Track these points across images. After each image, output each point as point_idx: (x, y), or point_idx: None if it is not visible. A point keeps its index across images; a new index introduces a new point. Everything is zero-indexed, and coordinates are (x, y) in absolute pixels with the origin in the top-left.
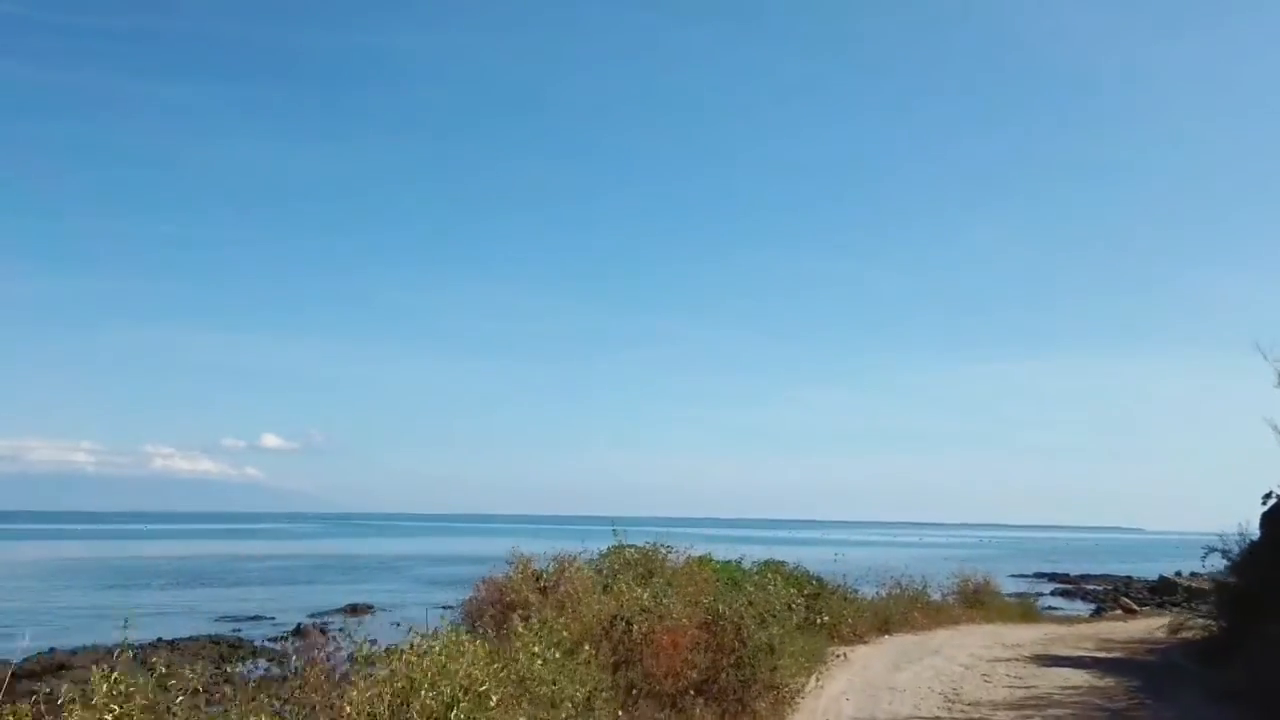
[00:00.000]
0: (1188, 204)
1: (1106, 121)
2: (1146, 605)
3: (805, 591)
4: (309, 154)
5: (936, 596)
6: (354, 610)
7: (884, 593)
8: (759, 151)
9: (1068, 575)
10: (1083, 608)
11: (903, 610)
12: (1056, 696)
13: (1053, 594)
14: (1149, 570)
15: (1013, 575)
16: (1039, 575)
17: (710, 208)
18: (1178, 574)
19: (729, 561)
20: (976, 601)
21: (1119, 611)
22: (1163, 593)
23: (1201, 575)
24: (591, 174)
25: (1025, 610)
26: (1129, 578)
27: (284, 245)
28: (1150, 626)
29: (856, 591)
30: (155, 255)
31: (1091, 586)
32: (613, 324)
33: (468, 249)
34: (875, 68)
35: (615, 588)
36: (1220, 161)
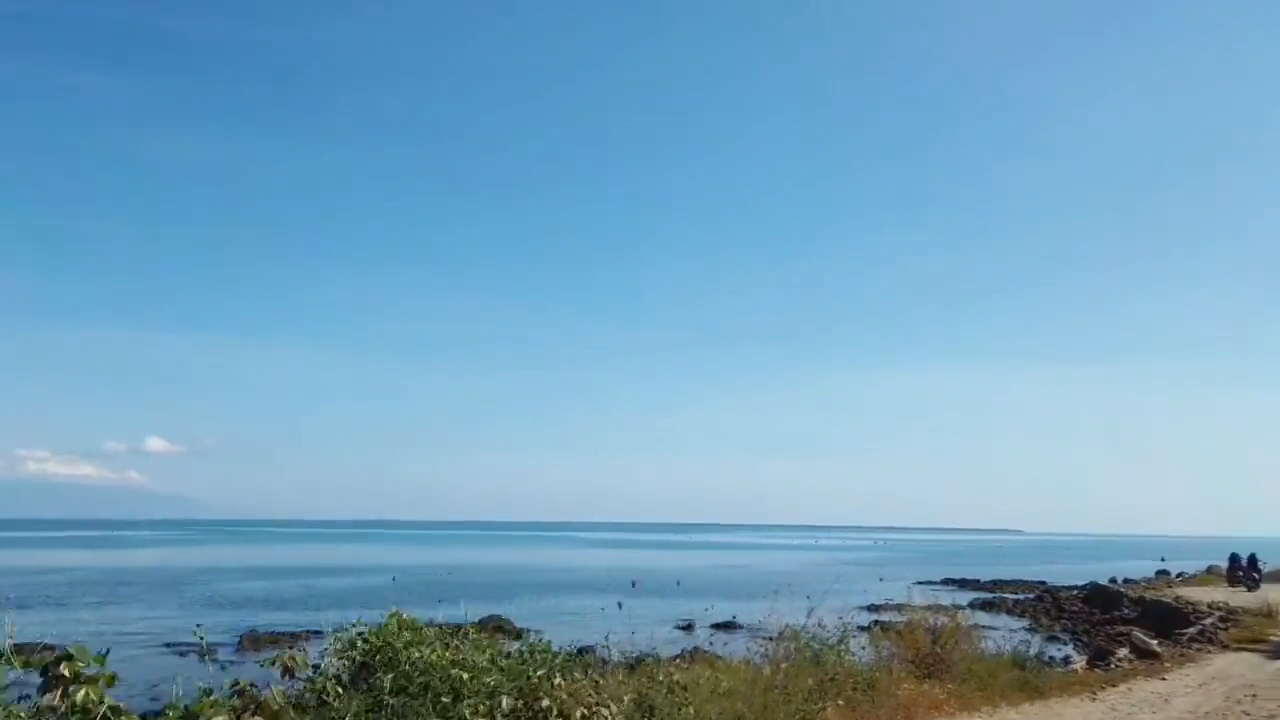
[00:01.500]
0: (1096, 217)
1: (1031, 130)
2: (1157, 639)
3: None
4: (247, 147)
5: (863, 652)
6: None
7: (772, 651)
8: (684, 156)
9: (979, 581)
10: (1023, 632)
11: (805, 708)
12: None
13: (972, 606)
14: (1053, 574)
15: (919, 582)
16: (948, 581)
17: (639, 212)
18: (1112, 580)
19: None
20: (939, 665)
21: (1127, 652)
22: (1104, 605)
23: (1138, 583)
24: (537, 180)
25: (1021, 675)
26: (1044, 583)
27: (191, 242)
28: (1212, 687)
29: (718, 657)
30: (34, 248)
31: (1012, 595)
32: (533, 324)
33: (393, 249)
34: (808, 77)
35: None
36: (1137, 176)
